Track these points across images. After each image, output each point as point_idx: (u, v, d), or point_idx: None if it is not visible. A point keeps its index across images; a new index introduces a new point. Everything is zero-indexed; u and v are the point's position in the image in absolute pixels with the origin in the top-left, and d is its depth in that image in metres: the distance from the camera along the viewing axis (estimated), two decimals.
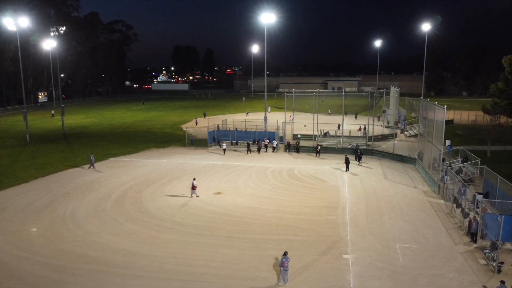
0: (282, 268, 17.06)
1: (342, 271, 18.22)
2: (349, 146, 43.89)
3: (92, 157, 37.13)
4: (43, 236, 22.13)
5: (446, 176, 29.12)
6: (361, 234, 22.28)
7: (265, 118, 50.44)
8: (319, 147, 42.51)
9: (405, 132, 55.01)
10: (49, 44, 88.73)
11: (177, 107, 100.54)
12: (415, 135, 53.78)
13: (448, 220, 24.41)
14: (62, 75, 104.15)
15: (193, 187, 28.16)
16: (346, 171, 35.76)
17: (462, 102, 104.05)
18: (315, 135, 46.84)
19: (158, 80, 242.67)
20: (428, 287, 16.94)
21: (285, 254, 17.31)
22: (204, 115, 75.53)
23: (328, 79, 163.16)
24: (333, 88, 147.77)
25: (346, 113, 67.63)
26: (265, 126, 50.42)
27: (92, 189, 30.54)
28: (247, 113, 79.10)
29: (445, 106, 28.80)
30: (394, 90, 55.21)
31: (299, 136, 46.31)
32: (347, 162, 36.07)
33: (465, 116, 69.46)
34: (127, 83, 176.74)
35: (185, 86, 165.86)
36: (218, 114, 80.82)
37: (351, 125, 56.83)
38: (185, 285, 17.26)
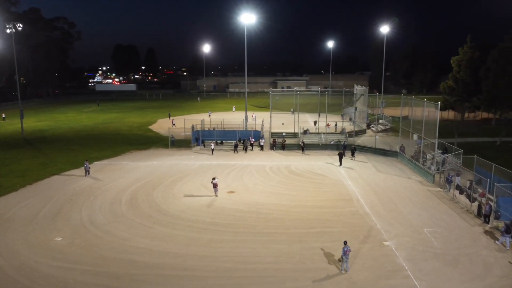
0: (344, 257, 17.95)
1: (391, 256, 19.55)
2: (331, 142, 45.85)
3: (87, 163, 35.01)
4: (74, 245, 20.93)
5: (435, 167, 31.83)
6: (388, 222, 23.85)
7: (246, 117, 50.96)
8: (303, 143, 43.94)
9: (372, 128, 58.40)
10: None
11: (132, 108, 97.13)
12: (382, 131, 57.56)
13: (454, 205, 26.87)
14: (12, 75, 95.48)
15: (215, 186, 28.13)
16: (340, 165, 37.50)
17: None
18: (297, 133, 48.27)
19: (95, 80, 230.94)
20: (472, 264, 18.81)
21: (345, 243, 18.20)
22: (169, 116, 73.92)
23: (277, 78, 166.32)
24: (282, 87, 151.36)
25: (292, 112, 69.96)
26: (246, 125, 50.96)
27: (95, 195, 29.12)
28: (209, 113, 78.42)
29: (439, 102, 31.51)
30: (362, 89, 58.37)
31: (284, 134, 47.46)
32: (340, 157, 37.84)
33: (418, 112, 75.05)
34: (67, 84, 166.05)
35: (133, 87, 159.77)
36: (180, 114, 79.23)
37: (318, 122, 58.92)
38: (253, 281, 17.48)
